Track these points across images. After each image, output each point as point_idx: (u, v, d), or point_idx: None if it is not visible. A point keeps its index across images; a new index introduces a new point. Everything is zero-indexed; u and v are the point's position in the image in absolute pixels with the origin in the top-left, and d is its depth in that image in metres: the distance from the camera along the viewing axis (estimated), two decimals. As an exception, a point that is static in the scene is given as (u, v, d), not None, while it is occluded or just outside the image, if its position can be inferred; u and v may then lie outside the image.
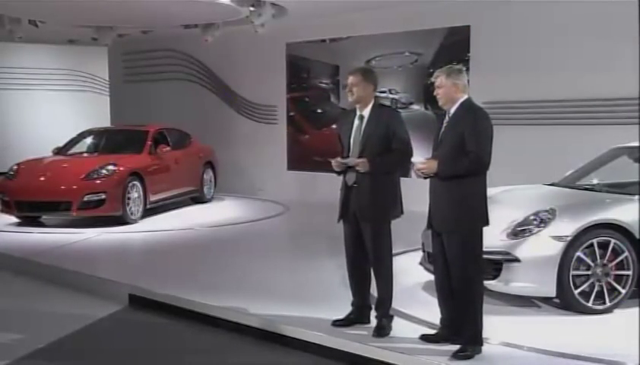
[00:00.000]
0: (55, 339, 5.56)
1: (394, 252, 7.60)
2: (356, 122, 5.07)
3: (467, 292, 4.63)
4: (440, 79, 4.69)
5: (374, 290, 5.23)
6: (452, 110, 4.67)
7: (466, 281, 4.61)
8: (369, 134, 4.99)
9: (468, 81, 4.77)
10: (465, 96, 4.66)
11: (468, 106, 4.65)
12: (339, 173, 5.11)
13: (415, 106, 11.98)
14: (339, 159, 5.01)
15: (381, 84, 12.68)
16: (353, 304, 5.28)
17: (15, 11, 11.23)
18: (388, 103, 11.78)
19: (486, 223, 4.66)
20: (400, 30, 11.59)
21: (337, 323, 5.21)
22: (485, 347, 4.77)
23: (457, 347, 4.63)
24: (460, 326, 4.69)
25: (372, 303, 5.29)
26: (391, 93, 12.24)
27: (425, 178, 4.73)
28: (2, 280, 7.66)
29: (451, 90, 4.65)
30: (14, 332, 5.82)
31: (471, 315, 4.64)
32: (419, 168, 4.68)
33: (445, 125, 4.70)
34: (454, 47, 11.11)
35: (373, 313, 5.23)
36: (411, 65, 11.98)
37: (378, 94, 12.36)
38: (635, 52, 8.34)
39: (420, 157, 4.86)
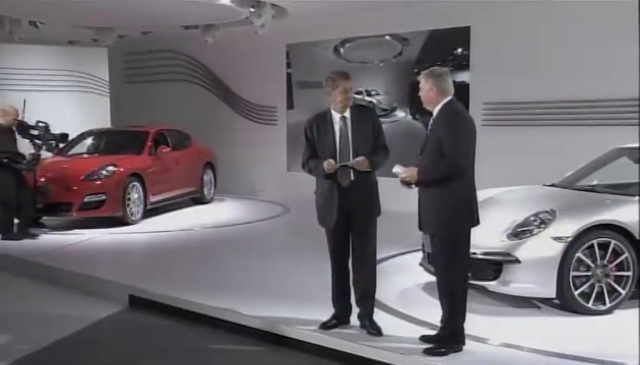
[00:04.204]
0: (55, 340, 5.56)
1: (394, 253, 7.69)
2: (339, 124, 5.07)
3: (448, 291, 4.66)
4: (421, 82, 4.71)
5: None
6: (434, 113, 4.68)
7: (447, 280, 4.64)
8: (359, 134, 5.03)
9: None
10: (447, 99, 4.64)
11: (447, 109, 4.63)
12: (326, 176, 5.03)
13: (400, 113, 10.38)
14: (332, 162, 4.96)
15: (357, 83, 11.89)
16: (338, 306, 5.27)
17: (15, 12, 11.24)
18: None
19: (472, 223, 4.64)
20: (400, 31, 11.55)
21: (325, 325, 5.22)
22: (485, 348, 4.79)
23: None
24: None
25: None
26: (369, 95, 10.58)
27: (409, 186, 4.72)
28: (2, 281, 7.66)
29: (430, 94, 4.66)
30: (14, 333, 5.82)
31: (450, 313, 4.67)
32: (402, 178, 4.70)
33: (429, 128, 4.72)
34: (445, 37, 10.66)
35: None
36: (394, 59, 10.77)
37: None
38: (635, 53, 8.34)
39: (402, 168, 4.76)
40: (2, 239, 9.08)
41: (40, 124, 9.54)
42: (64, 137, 10.25)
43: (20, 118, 9.37)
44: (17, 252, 8.47)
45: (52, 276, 7.47)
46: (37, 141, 9.44)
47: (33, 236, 9.26)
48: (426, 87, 4.67)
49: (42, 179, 10.16)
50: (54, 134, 9.80)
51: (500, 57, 10.31)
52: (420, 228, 4.81)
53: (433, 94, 4.64)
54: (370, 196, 5.07)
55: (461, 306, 4.65)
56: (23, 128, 9.37)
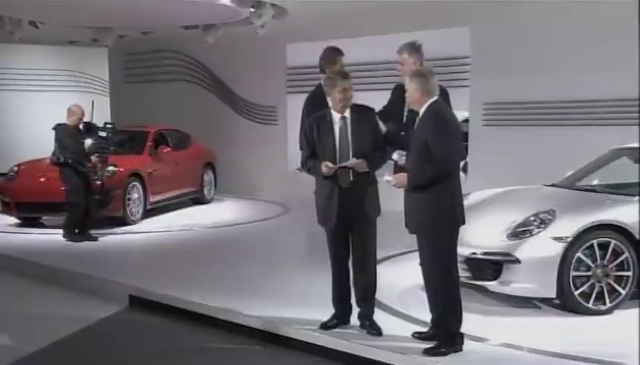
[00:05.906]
0: (55, 340, 5.56)
1: (394, 252, 7.69)
2: (339, 124, 5.05)
3: (435, 291, 4.67)
4: (406, 82, 4.71)
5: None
6: (420, 114, 4.68)
7: (433, 281, 4.65)
8: (359, 135, 5.02)
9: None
10: (432, 99, 4.63)
11: (432, 111, 4.61)
12: (326, 177, 5.01)
13: None
14: (329, 164, 4.95)
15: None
16: (338, 306, 5.27)
17: (15, 11, 11.24)
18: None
19: (457, 224, 4.63)
20: (400, 32, 11.50)
21: (325, 325, 5.22)
22: (485, 348, 4.79)
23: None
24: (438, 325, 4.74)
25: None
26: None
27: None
28: (2, 281, 7.66)
29: (415, 94, 4.66)
30: (15, 333, 5.83)
31: (437, 313, 4.70)
32: (393, 185, 4.72)
33: (415, 128, 4.72)
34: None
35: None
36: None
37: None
38: (635, 52, 8.34)
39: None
40: (67, 240, 8.94)
41: (108, 126, 9.20)
42: (131, 139, 10.19)
43: (87, 119, 9.15)
44: (18, 251, 8.47)
45: (52, 276, 7.47)
46: (105, 144, 9.08)
47: (95, 238, 9.07)
48: (410, 87, 4.69)
49: (43, 179, 10.16)
50: (121, 136, 9.62)
51: (500, 57, 10.31)
52: (406, 226, 4.83)
53: (418, 95, 4.64)
54: (370, 196, 5.06)
55: (452, 306, 4.64)
56: (91, 130, 9.11)
